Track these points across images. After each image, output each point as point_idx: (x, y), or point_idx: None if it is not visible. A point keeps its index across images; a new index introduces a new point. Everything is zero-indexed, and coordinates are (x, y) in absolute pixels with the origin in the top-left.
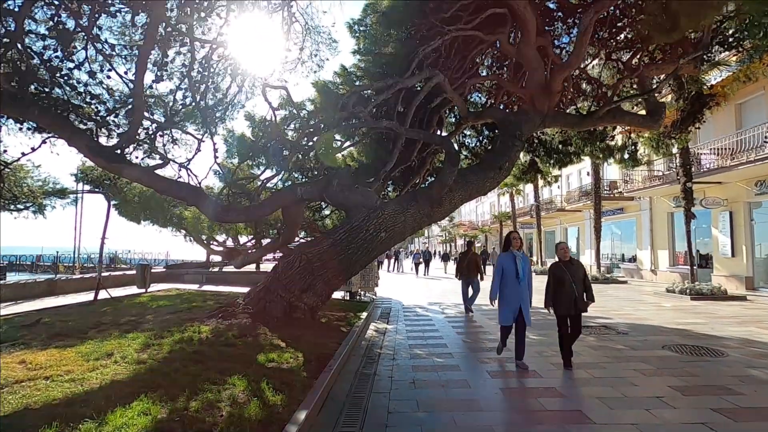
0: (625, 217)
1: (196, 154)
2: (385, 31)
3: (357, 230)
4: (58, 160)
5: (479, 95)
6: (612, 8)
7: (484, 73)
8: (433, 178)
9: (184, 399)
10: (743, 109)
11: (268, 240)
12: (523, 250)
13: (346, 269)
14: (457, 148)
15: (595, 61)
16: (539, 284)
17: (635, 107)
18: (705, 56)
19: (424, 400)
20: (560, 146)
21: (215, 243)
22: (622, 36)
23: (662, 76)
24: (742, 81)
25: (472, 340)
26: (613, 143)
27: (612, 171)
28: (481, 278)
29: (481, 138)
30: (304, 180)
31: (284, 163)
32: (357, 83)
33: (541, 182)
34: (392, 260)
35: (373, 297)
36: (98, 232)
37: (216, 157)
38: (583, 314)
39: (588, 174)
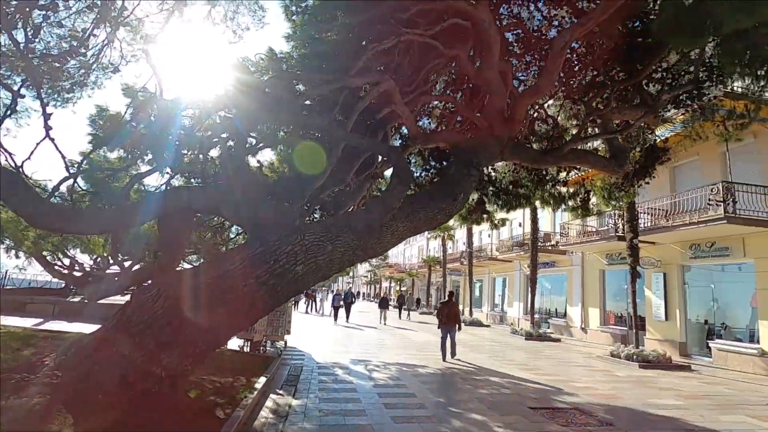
0: (557, 271)
1: (7, 114)
2: (329, 14)
3: (261, 260)
4: None
5: (429, 120)
6: (576, 44)
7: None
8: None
9: None
10: (677, 173)
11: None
12: None
13: (237, 315)
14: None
15: (550, 101)
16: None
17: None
18: (661, 110)
19: None
20: (510, 187)
21: (72, 262)
22: (578, 79)
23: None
24: (693, 139)
25: None
26: (564, 190)
27: (544, 223)
28: (459, 328)
29: (428, 168)
30: (198, 183)
31: (173, 159)
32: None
33: (486, 225)
34: (310, 300)
35: (282, 349)
36: None
37: (48, 128)
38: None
39: (520, 225)
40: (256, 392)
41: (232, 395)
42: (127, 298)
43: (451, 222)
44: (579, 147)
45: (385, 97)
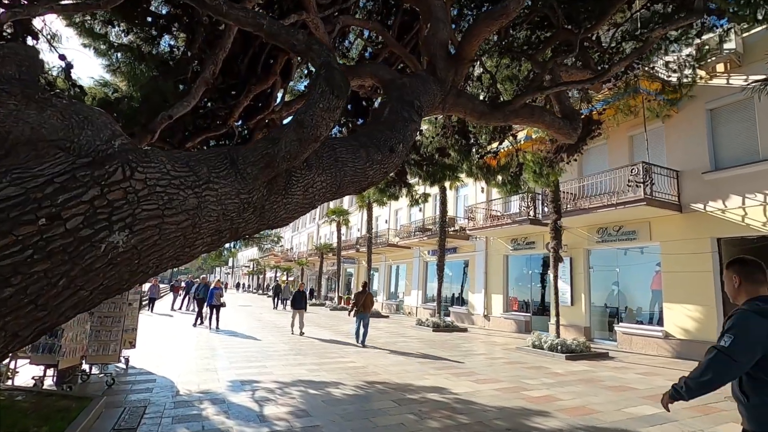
0: (457, 257)
1: None
2: None
3: (12, 216)
4: None
5: (345, 63)
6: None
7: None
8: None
9: None
10: (584, 157)
11: None
12: None
13: None
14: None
15: (484, 57)
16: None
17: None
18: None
19: None
20: (436, 156)
21: None
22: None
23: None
24: (624, 113)
25: None
26: (494, 162)
27: (449, 207)
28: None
29: (348, 123)
30: None
31: None
32: None
33: (406, 201)
34: (180, 294)
35: (113, 377)
36: None
37: None
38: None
39: (420, 210)
40: None
41: None
42: None
43: (345, 205)
44: (533, 102)
45: None
